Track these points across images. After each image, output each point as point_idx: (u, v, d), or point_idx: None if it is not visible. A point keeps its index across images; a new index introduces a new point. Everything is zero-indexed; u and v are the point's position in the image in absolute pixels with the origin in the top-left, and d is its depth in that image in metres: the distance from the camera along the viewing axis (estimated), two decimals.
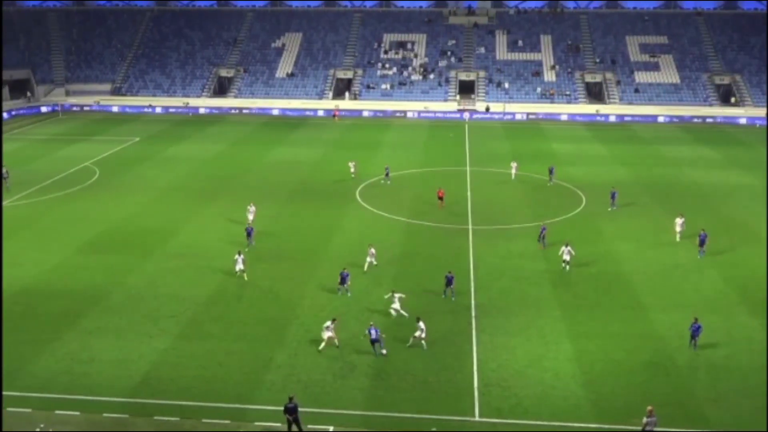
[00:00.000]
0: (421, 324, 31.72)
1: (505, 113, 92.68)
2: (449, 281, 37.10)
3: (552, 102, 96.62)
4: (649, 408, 25.21)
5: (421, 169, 64.49)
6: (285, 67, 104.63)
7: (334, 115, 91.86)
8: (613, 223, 49.04)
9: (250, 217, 47.72)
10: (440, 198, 52.15)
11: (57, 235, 46.91)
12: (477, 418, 27.13)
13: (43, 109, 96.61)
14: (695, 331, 31.62)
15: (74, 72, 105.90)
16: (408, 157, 69.36)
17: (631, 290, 38.19)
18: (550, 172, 59.32)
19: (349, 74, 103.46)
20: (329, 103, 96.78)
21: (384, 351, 31.27)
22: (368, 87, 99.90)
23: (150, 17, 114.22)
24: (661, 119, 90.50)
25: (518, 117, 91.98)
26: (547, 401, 28.10)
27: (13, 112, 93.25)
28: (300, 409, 26.04)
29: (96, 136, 79.92)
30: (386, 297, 35.76)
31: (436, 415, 27.17)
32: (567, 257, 40.41)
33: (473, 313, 35.49)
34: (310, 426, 26.59)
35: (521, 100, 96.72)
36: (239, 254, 39.67)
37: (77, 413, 27.48)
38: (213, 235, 46.88)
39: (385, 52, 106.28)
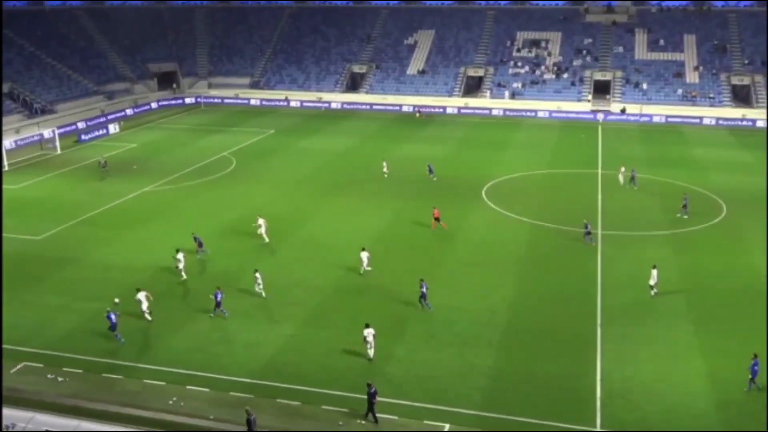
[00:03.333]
0: (371, 330, 30.71)
1: (641, 115, 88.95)
2: (423, 295, 35.48)
3: (693, 104, 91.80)
4: None
5: (549, 170, 63.08)
6: (416, 64, 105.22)
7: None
8: (758, 235, 46.00)
9: (262, 230, 44.98)
10: (436, 219, 47.29)
11: (195, 219, 49.46)
12: (598, 429, 26.31)
13: (187, 100, 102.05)
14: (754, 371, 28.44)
15: (217, 66, 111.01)
16: (536, 157, 68.00)
17: None
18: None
19: (480, 72, 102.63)
20: (459, 101, 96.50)
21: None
22: (499, 85, 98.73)
23: (288, 14, 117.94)
24: None
25: (656, 120, 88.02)
26: (674, 419, 26.83)
27: (161, 103, 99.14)
28: (416, 404, 26.28)
29: (234, 128, 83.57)
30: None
31: (555, 422, 26.58)
32: (652, 281, 37.15)
33: (599, 321, 34.41)
34: (425, 422, 26.75)
35: (660, 102, 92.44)
36: (363, 250, 40.26)
37: (207, 390, 28.94)
38: (340, 227, 47.93)
39: (518, 50, 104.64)
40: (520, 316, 34.97)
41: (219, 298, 35.04)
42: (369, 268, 40.26)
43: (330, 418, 27.13)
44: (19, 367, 30.78)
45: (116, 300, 34.93)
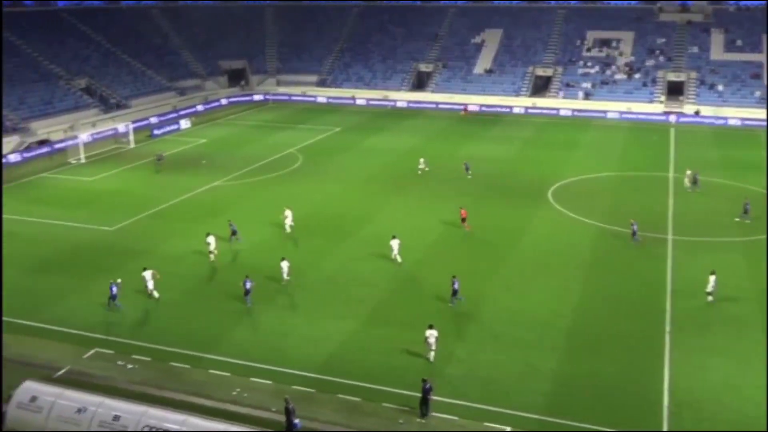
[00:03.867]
0: (434, 332, 30.50)
1: (717, 117, 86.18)
2: (455, 291, 35.70)
3: None
4: None
5: (618, 173, 61.70)
6: (483, 63, 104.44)
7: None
8: None
9: (288, 222, 45.58)
10: (463, 219, 46.97)
11: (261, 214, 50.27)
12: None
13: (256, 97, 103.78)
14: None
15: (285, 63, 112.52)
16: (605, 159, 66.61)
17: None
18: None
19: (549, 72, 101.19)
20: (526, 101, 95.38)
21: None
22: (567, 85, 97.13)
23: (357, 13, 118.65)
24: None
25: (732, 122, 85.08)
26: None
27: (231, 99, 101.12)
28: (476, 406, 26.10)
29: (300, 125, 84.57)
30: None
31: (619, 429, 25.97)
32: (710, 288, 35.87)
33: (667, 328, 33.49)
34: (486, 424, 26.54)
35: (736, 104, 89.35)
36: (394, 238, 41.04)
37: (269, 382, 29.37)
38: (403, 225, 47.90)
39: (588, 50, 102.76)
40: (585, 321, 34.35)
41: (248, 287, 35.86)
42: (399, 259, 40.69)
43: (390, 416, 27.18)
44: (90, 352, 31.87)
45: (118, 280, 36.55)
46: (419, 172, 60.71)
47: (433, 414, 27.01)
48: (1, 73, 63.79)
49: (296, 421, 25.91)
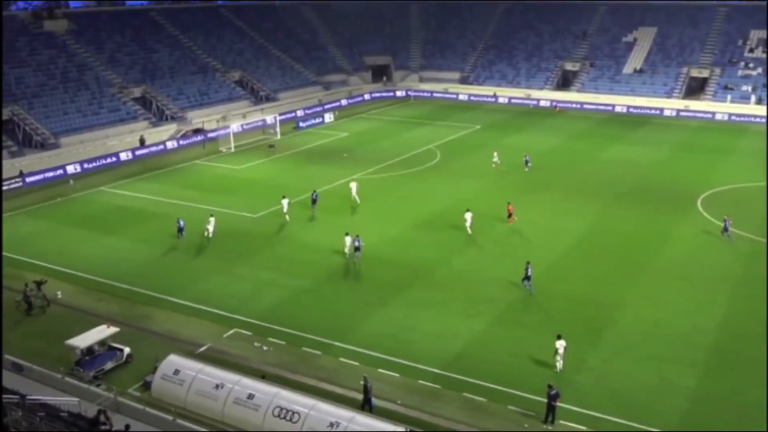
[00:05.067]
0: (562, 342, 29.46)
1: None
2: (527, 277, 37.04)
3: None
4: None
5: None
6: (634, 62, 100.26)
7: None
8: None
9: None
10: (509, 215, 47.70)
11: (398, 209, 50.94)
12: None
13: (398, 93, 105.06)
14: None
15: (429, 60, 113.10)
16: (763, 167, 62.03)
17: None
18: None
19: (705, 73, 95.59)
20: (678, 103, 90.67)
21: None
22: (726, 87, 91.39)
23: (503, 9, 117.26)
24: None
25: None
26: None
27: (374, 95, 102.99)
28: (606, 417, 25.22)
29: (441, 121, 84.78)
30: None
31: None
32: None
33: None
34: None
35: None
36: (468, 211, 44.90)
37: (397, 375, 29.75)
38: (539, 226, 47.03)
39: (751, 51, 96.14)
40: (731, 338, 32.28)
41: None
42: (470, 231, 44.33)
43: (514, 419, 26.82)
44: (230, 332, 33.57)
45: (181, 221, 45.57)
46: (493, 166, 61.72)
47: (560, 422, 26.37)
48: (1, 73, 67.84)
49: (372, 398, 27.09)
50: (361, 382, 27.31)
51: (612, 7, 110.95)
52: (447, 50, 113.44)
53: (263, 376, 28.13)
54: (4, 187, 57.54)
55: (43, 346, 32.00)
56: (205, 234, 45.43)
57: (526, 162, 61.30)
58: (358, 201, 51.75)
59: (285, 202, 48.65)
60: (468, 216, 45.18)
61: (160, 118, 78.45)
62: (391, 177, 59.77)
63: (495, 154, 62.80)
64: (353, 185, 52.82)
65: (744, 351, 31.17)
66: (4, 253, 42.87)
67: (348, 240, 42.03)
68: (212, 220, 45.88)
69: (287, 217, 48.20)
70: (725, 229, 44.21)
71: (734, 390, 28.27)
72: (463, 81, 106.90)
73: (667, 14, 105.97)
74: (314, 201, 50.70)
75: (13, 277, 39.76)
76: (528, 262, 37.35)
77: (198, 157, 68.62)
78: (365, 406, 26.90)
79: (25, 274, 39.87)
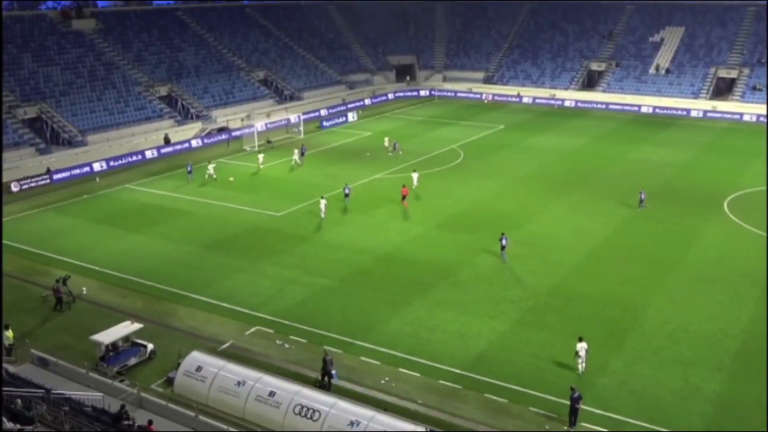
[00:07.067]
0: (584, 344, 29.27)
1: None
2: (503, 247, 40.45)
3: None
4: None
5: None
6: (660, 62, 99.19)
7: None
8: None
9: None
10: (403, 197, 51.27)
11: (421, 208, 50.85)
12: None
13: (422, 92, 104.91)
14: None
15: (453, 60, 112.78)
16: None
17: None
18: None
19: (733, 73, 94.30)
20: (705, 104, 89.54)
21: None
22: (754, 88, 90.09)
23: (528, 9, 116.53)
24: None
25: None
26: None
27: (397, 94, 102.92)
28: (629, 420, 24.96)
29: (464, 121, 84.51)
30: None
31: None
32: None
33: None
34: None
35: None
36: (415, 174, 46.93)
37: (417, 375, 29.68)
38: (563, 227, 46.72)
39: None
40: (757, 343, 31.76)
41: None
42: (323, 216, 47.79)
43: (536, 421, 26.64)
44: (252, 330, 33.72)
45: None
46: (389, 154, 66.36)
47: (582, 424, 26.15)
48: (1, 73, 68.33)
49: (333, 371, 28.36)
50: (323, 356, 28.60)
51: (639, 7, 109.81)
52: (471, 50, 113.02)
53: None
54: (32, 184, 58.48)
55: (68, 341, 32.40)
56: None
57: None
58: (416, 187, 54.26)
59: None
60: (323, 203, 48.38)
61: (186, 116, 79.05)
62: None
63: (386, 139, 68.51)
64: (414, 175, 55.48)
65: None
66: (30, 249, 43.51)
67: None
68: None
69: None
70: (641, 202, 49.29)
71: (760, 395, 27.80)
72: (488, 81, 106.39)
73: (695, 14, 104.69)
74: (347, 195, 52.25)
75: (40, 273, 40.32)
76: (503, 233, 40.97)
77: (223, 155, 69.03)
78: (324, 379, 28.21)
79: (50, 269, 40.40)
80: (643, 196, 50.33)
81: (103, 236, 46.81)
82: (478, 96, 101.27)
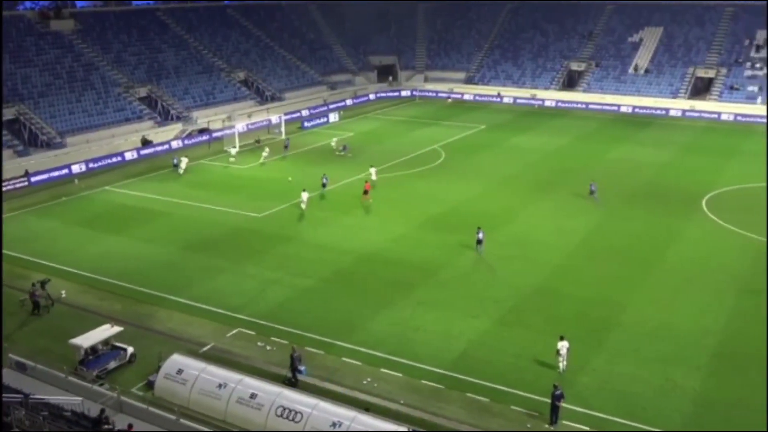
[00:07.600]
0: (565, 343, 29.49)
1: None
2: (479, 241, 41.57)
3: None
4: None
5: None
6: (640, 62, 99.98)
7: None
8: None
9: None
10: (365, 192, 52.41)
11: (402, 209, 50.86)
12: None
13: (403, 93, 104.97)
14: None
15: (434, 60, 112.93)
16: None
17: None
18: None
19: (711, 73, 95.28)
20: (684, 103, 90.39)
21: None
22: (731, 88, 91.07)
23: (509, 9, 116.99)
24: None
25: None
26: None
27: (379, 95, 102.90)
28: (609, 418, 25.10)
29: (445, 121, 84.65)
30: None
31: None
32: None
33: None
34: None
35: None
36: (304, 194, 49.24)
37: (400, 375, 29.68)
38: (545, 227, 46.91)
39: (757, 50, 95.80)
40: (736, 341, 32.09)
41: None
42: (304, 207, 49.51)
43: (518, 420, 26.72)
44: (233, 332, 33.55)
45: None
46: (337, 154, 67.48)
47: (564, 422, 26.27)
48: (0, 73, 67.92)
49: (301, 367, 28.97)
50: (290, 353, 29.03)
51: (618, 7, 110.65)
52: (452, 50, 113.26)
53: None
54: (10, 187, 57.77)
55: (46, 345, 32.06)
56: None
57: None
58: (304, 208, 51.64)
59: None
60: (304, 196, 50.17)
61: (166, 117, 78.54)
62: (396, 177, 59.64)
63: (334, 140, 70.46)
64: (372, 170, 56.86)
65: (750, 353, 30.98)
66: (8, 252, 42.99)
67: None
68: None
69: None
70: (591, 192, 51.34)
71: (739, 392, 28.10)
72: (469, 81, 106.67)
73: (674, 14, 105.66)
74: (324, 185, 54.95)
75: (18, 276, 39.86)
76: (479, 227, 42.14)
77: (204, 156, 68.66)
78: (293, 377, 28.51)
79: (29, 273, 39.95)
80: (593, 188, 52.14)
81: (82, 239, 46.39)
82: (459, 96, 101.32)
